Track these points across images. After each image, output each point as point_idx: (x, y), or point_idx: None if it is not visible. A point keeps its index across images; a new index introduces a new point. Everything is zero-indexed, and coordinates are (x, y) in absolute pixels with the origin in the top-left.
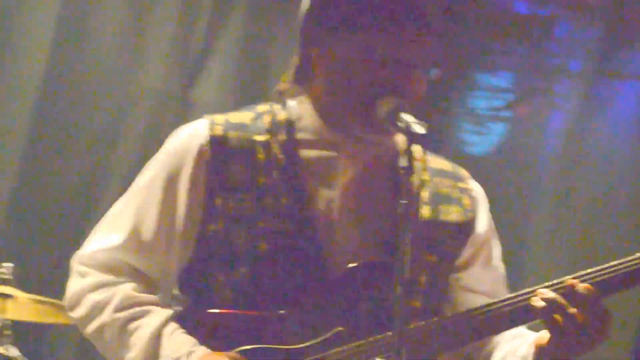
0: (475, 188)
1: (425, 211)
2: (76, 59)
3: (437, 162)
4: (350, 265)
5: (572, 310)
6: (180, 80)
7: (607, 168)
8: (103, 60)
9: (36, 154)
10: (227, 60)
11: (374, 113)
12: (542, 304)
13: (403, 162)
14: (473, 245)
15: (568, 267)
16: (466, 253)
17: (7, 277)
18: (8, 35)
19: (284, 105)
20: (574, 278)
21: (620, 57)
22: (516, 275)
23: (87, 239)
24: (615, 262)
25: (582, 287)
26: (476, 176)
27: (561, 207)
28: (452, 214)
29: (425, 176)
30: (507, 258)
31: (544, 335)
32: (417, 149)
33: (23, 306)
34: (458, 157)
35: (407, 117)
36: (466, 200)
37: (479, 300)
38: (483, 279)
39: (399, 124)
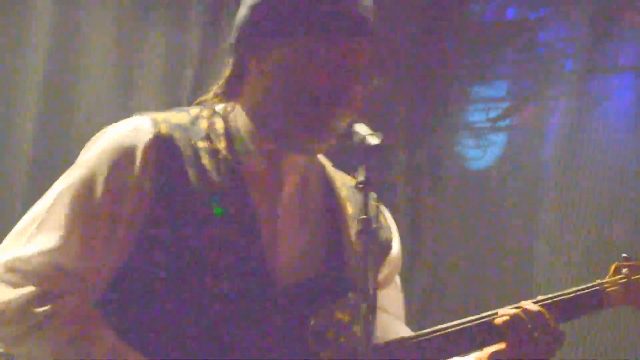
0: (386, 210)
1: (354, 227)
2: (66, 95)
3: (351, 179)
4: (292, 281)
5: (529, 325)
6: None
7: (609, 165)
8: (92, 100)
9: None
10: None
11: (322, 124)
12: (506, 318)
13: (360, 176)
14: (389, 266)
15: (578, 272)
16: (382, 273)
17: None
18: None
19: (214, 111)
20: (534, 302)
21: (609, 49)
22: (525, 285)
23: (4, 243)
24: (573, 289)
25: (535, 307)
26: (480, 189)
27: (567, 212)
28: (383, 233)
29: (347, 191)
30: (515, 269)
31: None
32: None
33: None
34: (460, 171)
35: (361, 129)
36: (384, 221)
37: (391, 321)
38: (395, 301)
39: (354, 136)
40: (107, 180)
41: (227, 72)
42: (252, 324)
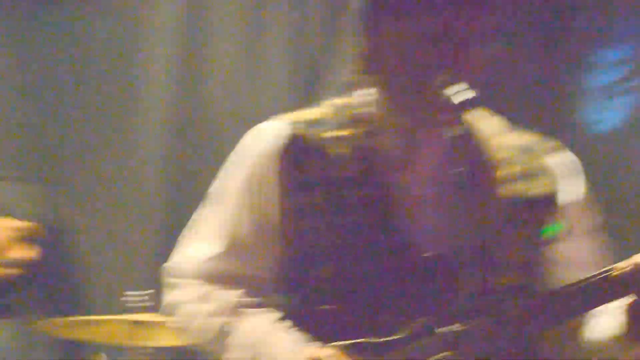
0: (565, 159)
1: (511, 188)
2: (198, 85)
3: (522, 136)
4: (434, 253)
5: None
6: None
7: None
8: (223, 86)
9: (174, 178)
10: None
11: (433, 91)
12: (628, 268)
13: (458, 130)
14: (565, 217)
15: None
16: (561, 220)
17: (147, 304)
18: (132, 69)
19: (352, 98)
20: None
21: None
22: None
23: (176, 250)
24: None
25: None
26: (606, 152)
27: None
28: (539, 187)
29: (503, 153)
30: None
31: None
32: (489, 129)
33: (164, 331)
34: (586, 136)
35: (455, 87)
36: (554, 172)
37: (577, 274)
38: (579, 251)
39: (449, 95)
40: (253, 188)
41: (353, 52)
42: (397, 299)
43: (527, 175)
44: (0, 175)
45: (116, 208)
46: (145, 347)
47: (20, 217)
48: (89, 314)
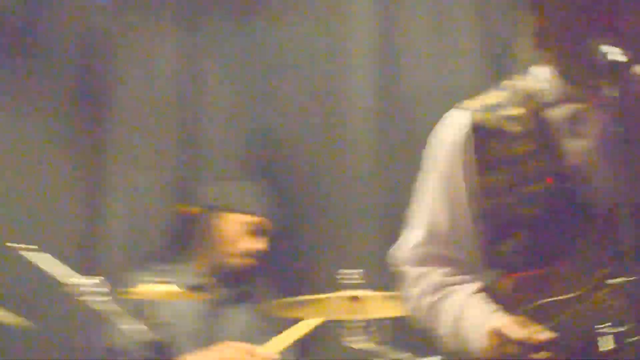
0: None
1: None
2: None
3: None
4: (612, 207)
5: None
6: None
7: None
8: (419, 75)
9: (384, 166)
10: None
11: (594, 58)
12: None
13: (614, 92)
14: None
15: None
16: None
17: (358, 281)
18: (334, 68)
19: (526, 76)
20: None
21: None
22: None
23: (399, 239)
24: None
25: None
26: None
27: None
28: None
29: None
30: None
31: None
32: None
33: (375, 304)
34: None
35: (608, 49)
36: None
37: None
38: None
39: (608, 60)
40: (446, 178)
41: (527, 29)
42: (580, 258)
43: None
44: (232, 176)
45: (331, 199)
46: (361, 320)
47: (250, 213)
48: (310, 293)
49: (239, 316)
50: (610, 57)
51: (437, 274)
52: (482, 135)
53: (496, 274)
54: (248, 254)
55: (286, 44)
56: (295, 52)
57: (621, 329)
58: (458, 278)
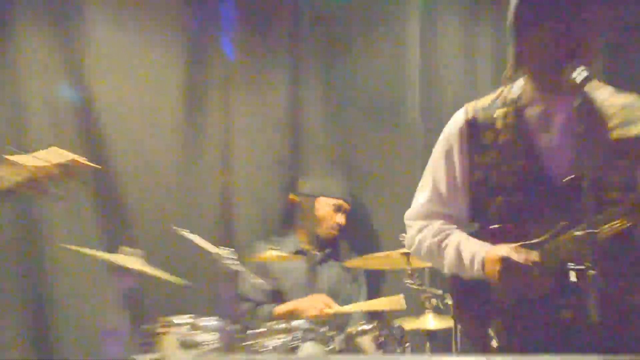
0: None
1: (615, 133)
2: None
3: (624, 97)
4: (566, 179)
5: None
6: None
7: None
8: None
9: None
10: None
11: (564, 76)
12: None
13: (577, 101)
14: None
15: None
16: None
17: None
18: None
19: (512, 85)
20: None
21: None
22: None
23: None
24: None
25: None
26: None
27: None
28: (633, 130)
29: (611, 110)
30: None
31: None
32: (602, 95)
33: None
34: None
35: (577, 71)
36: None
37: None
38: None
39: (573, 77)
40: (444, 157)
41: (511, 57)
42: (541, 205)
43: (629, 122)
44: (323, 173)
45: (388, 185)
46: (412, 268)
47: (335, 197)
48: (379, 251)
49: (329, 270)
50: (573, 74)
51: (437, 224)
52: (473, 130)
53: (478, 226)
54: (334, 226)
55: (360, 74)
56: (366, 81)
57: (581, 267)
58: (453, 226)
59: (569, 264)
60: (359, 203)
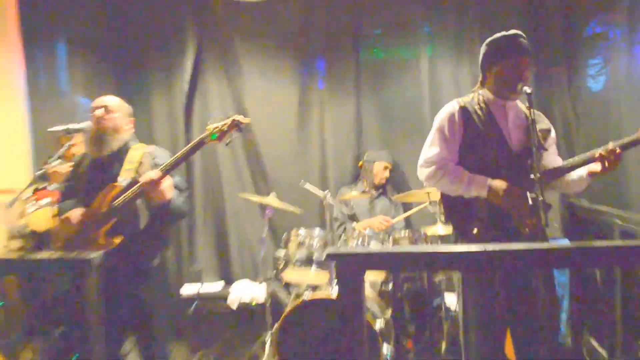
0: (548, 121)
1: (539, 124)
2: None
3: (536, 112)
4: (519, 148)
5: (611, 157)
6: None
7: None
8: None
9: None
10: None
11: (516, 89)
12: (603, 152)
13: (527, 104)
14: (551, 139)
15: None
16: (550, 140)
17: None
18: None
19: (479, 92)
20: (614, 146)
21: None
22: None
23: (423, 152)
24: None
25: (617, 150)
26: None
27: None
28: (544, 126)
29: (533, 116)
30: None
31: (591, 168)
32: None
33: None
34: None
35: (526, 88)
36: (546, 120)
37: (553, 160)
38: (553, 153)
39: (526, 90)
40: (449, 126)
41: (480, 77)
42: (507, 169)
43: (541, 121)
44: (372, 150)
45: (410, 154)
46: (429, 200)
47: (385, 160)
48: (409, 190)
49: (381, 202)
50: (526, 89)
51: (451, 164)
52: (463, 113)
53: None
54: (383, 178)
55: (395, 95)
56: (398, 98)
57: (533, 195)
58: (459, 168)
59: (528, 192)
60: (397, 165)
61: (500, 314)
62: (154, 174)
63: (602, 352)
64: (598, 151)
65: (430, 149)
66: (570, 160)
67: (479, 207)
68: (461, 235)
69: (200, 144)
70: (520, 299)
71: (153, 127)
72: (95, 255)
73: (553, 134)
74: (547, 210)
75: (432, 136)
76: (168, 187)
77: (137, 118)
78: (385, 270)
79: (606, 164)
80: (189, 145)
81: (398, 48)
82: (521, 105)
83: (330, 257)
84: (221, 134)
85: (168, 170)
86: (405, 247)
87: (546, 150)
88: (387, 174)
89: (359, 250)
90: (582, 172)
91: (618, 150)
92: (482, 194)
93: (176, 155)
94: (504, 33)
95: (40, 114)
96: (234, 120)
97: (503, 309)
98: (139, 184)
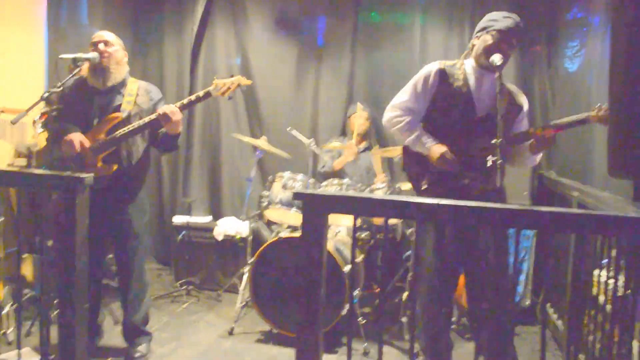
0: (525, 99)
1: (511, 95)
2: None
3: (510, 85)
4: (484, 114)
5: (547, 134)
6: None
7: None
8: None
9: None
10: None
11: (489, 60)
12: (538, 131)
13: (497, 74)
14: (522, 114)
15: None
16: (520, 116)
17: None
18: None
19: (464, 61)
20: (550, 125)
21: None
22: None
23: (394, 98)
24: (572, 117)
25: (552, 130)
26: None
27: None
28: (518, 100)
29: (510, 86)
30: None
31: (531, 143)
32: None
33: None
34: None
35: (494, 59)
36: (521, 98)
37: (520, 127)
38: (524, 125)
39: (494, 62)
40: (422, 82)
41: (470, 45)
42: (469, 131)
43: (516, 95)
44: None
45: None
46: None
47: (360, 114)
48: (388, 146)
49: (366, 157)
50: (492, 59)
51: (407, 118)
52: (442, 74)
53: (423, 125)
54: (363, 128)
55: (387, 59)
56: (390, 63)
57: (494, 158)
58: (417, 122)
59: (489, 157)
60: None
61: (450, 264)
62: (173, 107)
63: (554, 316)
64: (535, 128)
65: (399, 96)
66: (523, 130)
67: (430, 162)
68: (415, 189)
69: (207, 94)
70: (470, 254)
71: (163, 65)
72: (86, 175)
73: (525, 109)
74: (502, 173)
75: (406, 87)
76: (180, 121)
77: (149, 57)
78: (344, 213)
79: (540, 140)
80: (199, 93)
81: (394, 14)
82: (504, 80)
83: (296, 196)
84: (225, 89)
85: (181, 108)
86: (365, 194)
87: (509, 120)
88: (367, 124)
89: (322, 192)
90: (526, 145)
91: (550, 131)
92: (424, 153)
93: (187, 98)
94: (504, 12)
95: (58, 43)
96: (238, 79)
97: (454, 259)
98: (155, 114)
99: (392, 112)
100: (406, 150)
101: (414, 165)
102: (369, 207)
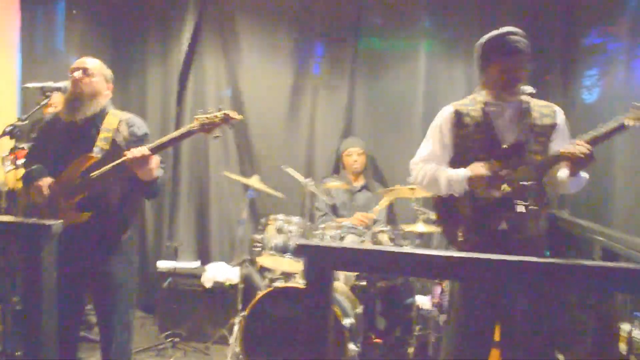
0: (558, 109)
1: (535, 120)
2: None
3: (542, 102)
4: (508, 144)
5: (583, 154)
6: None
7: None
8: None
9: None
10: None
11: (513, 89)
12: (568, 149)
13: (524, 105)
14: (558, 130)
15: None
16: (556, 133)
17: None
18: None
19: (478, 93)
20: (585, 141)
21: None
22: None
23: (416, 155)
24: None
25: (586, 147)
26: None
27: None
28: (547, 120)
29: (536, 108)
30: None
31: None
32: (529, 99)
33: (419, 190)
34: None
35: (525, 88)
36: (552, 114)
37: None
38: (565, 140)
39: (524, 91)
40: (436, 132)
41: (481, 81)
42: (498, 159)
43: (543, 116)
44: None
45: (397, 150)
46: (417, 198)
47: (357, 146)
48: (393, 185)
49: (363, 196)
50: (525, 89)
51: (432, 164)
52: (457, 116)
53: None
54: (359, 165)
55: (389, 90)
56: (391, 94)
57: (525, 203)
58: (442, 167)
59: (516, 201)
60: (383, 159)
61: (484, 322)
62: (144, 150)
63: None
64: (565, 149)
65: (419, 151)
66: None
67: (462, 205)
68: (450, 242)
69: (189, 133)
70: (505, 316)
71: (146, 97)
72: (54, 222)
73: (559, 122)
74: (537, 217)
75: (424, 140)
76: (155, 165)
77: (130, 86)
78: (355, 272)
79: (575, 159)
80: (178, 132)
81: (397, 40)
82: (528, 100)
83: (300, 248)
84: (211, 126)
85: (155, 150)
86: (378, 247)
87: (543, 144)
88: (361, 160)
89: (329, 244)
90: (565, 172)
91: (587, 146)
92: (462, 185)
93: (164, 138)
94: (494, 32)
95: (32, 71)
96: (225, 114)
97: (487, 315)
98: (123, 158)
99: (416, 168)
100: (437, 203)
101: (447, 217)
102: (384, 262)
